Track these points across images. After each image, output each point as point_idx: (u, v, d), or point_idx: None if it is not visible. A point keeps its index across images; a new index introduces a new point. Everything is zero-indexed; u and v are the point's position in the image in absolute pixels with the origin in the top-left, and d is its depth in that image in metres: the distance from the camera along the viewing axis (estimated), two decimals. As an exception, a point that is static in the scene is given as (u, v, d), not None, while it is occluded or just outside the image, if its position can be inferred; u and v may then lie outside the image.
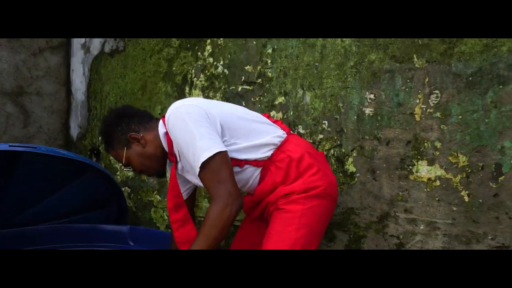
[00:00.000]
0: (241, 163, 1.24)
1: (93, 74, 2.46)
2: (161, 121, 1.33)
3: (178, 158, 1.31)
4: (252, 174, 1.27)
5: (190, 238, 1.29)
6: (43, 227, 1.84)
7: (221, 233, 1.11)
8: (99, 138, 2.42)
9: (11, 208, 1.78)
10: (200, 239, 1.12)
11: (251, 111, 1.37)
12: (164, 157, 1.35)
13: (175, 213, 1.34)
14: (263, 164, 1.26)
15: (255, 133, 1.26)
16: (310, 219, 1.21)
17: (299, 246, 1.18)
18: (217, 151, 1.12)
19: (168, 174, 1.44)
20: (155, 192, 2.14)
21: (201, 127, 1.15)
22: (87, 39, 2.44)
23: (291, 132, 1.39)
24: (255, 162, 1.26)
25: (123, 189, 2.20)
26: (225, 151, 1.15)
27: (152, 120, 1.38)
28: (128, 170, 1.42)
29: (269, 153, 1.26)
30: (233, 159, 1.21)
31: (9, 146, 1.35)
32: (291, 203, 1.21)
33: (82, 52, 2.49)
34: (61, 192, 1.87)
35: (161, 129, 1.31)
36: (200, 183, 1.28)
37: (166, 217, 2.10)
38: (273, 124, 1.34)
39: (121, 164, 1.42)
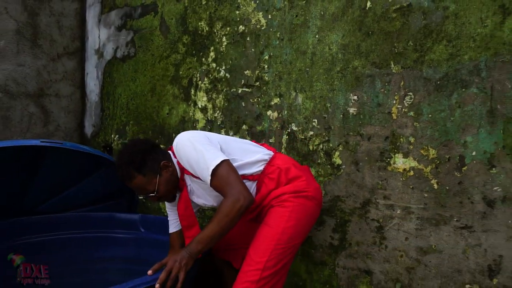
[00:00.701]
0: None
1: (106, 78, 2.65)
2: (170, 151, 1.51)
3: (188, 182, 1.50)
4: (249, 188, 1.47)
5: None
6: (65, 215, 2.04)
7: (231, 222, 1.29)
8: (112, 136, 2.63)
9: (38, 197, 1.98)
10: (213, 224, 1.29)
11: (242, 139, 1.60)
12: (178, 183, 1.52)
13: (188, 231, 1.51)
14: (257, 178, 1.48)
15: (248, 152, 1.50)
16: (299, 214, 1.43)
17: (287, 235, 1.39)
18: (223, 159, 1.34)
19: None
20: (164, 184, 2.34)
21: (205, 144, 1.38)
22: (101, 45, 2.64)
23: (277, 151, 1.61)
24: (251, 177, 1.48)
25: (134, 182, 2.40)
26: (229, 160, 1.37)
27: (166, 151, 1.53)
28: (145, 198, 1.44)
29: (261, 168, 1.48)
30: None
31: (41, 142, 1.55)
32: (284, 201, 1.43)
33: (96, 57, 2.69)
34: (80, 184, 2.07)
35: (173, 158, 1.50)
36: (206, 203, 1.52)
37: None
38: (261, 146, 1.58)
39: (142, 194, 1.46)
